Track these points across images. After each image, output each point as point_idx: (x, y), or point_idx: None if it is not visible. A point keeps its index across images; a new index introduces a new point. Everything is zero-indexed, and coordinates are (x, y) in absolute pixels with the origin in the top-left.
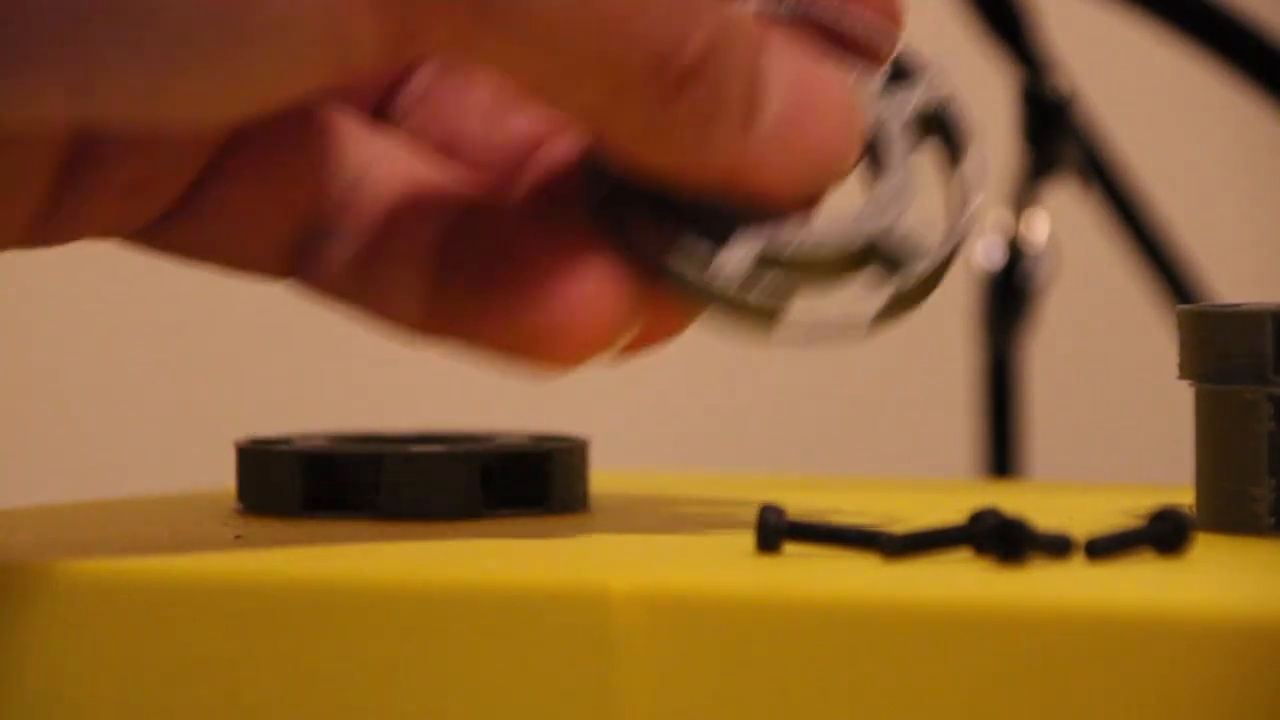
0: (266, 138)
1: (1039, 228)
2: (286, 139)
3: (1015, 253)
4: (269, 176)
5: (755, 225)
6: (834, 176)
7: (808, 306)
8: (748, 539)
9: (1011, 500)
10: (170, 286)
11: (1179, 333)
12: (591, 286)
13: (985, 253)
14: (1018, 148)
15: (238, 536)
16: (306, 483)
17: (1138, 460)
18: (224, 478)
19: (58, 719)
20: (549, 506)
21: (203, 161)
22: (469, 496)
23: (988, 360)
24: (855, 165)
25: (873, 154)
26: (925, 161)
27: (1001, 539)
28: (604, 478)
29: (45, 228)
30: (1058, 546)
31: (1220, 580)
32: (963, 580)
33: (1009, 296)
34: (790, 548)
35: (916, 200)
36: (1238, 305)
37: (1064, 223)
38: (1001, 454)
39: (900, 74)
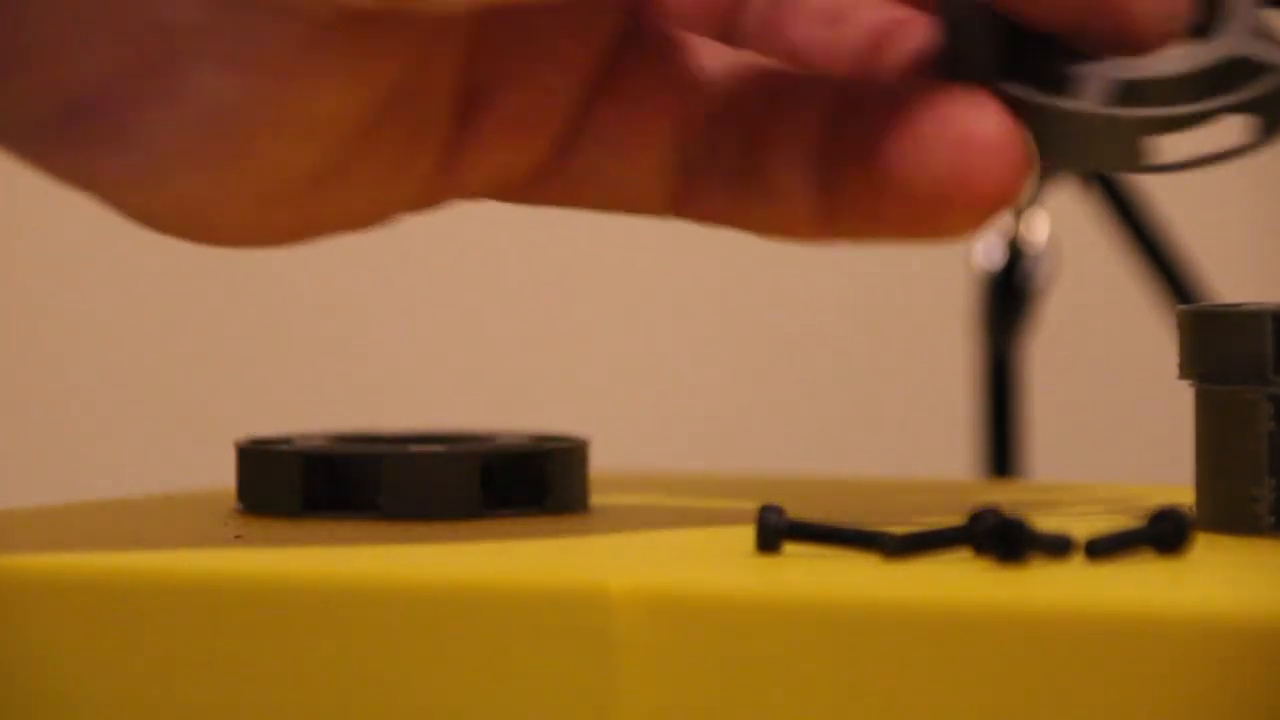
0: (631, 62)
1: (1039, 228)
2: (650, 61)
3: (1015, 253)
4: (643, 97)
5: (1119, 60)
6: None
7: (1173, 139)
8: (748, 539)
9: (1011, 500)
10: (171, 286)
11: (1179, 333)
12: (994, 123)
13: (985, 253)
14: None
15: (238, 536)
16: (306, 483)
17: (1138, 460)
18: (224, 478)
19: (57, 719)
20: (549, 506)
21: (580, 88)
22: (469, 496)
23: (988, 360)
24: None
25: None
26: None
27: (1001, 539)
28: (604, 478)
29: (439, 184)
30: (1058, 546)
31: (1220, 580)
32: (963, 580)
33: (1009, 296)
34: (790, 548)
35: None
36: (1238, 305)
37: (1064, 223)
38: (1001, 454)
39: None
